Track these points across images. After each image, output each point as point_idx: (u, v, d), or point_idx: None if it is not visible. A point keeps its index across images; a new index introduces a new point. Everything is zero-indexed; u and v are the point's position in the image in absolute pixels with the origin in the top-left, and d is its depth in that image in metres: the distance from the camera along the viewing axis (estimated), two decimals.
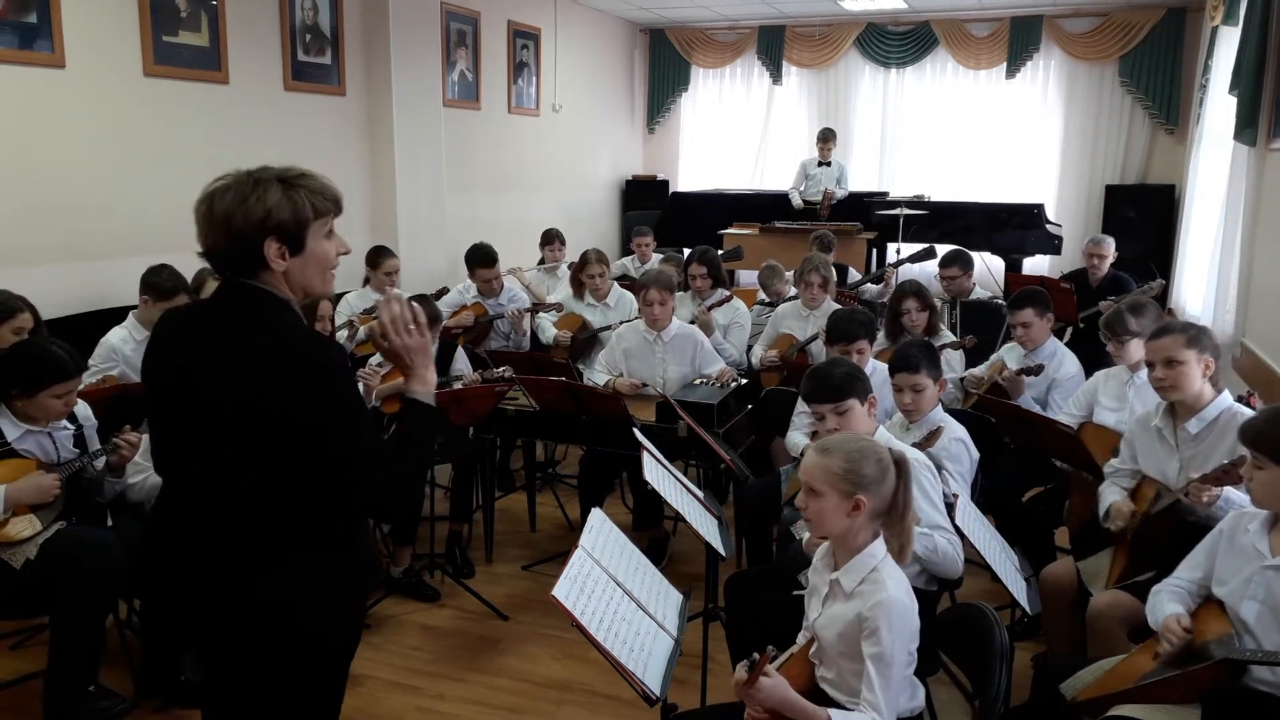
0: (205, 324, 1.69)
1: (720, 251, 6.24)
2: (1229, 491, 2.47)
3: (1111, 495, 2.84)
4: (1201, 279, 7.74)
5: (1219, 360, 2.76)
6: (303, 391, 1.58)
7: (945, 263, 5.25)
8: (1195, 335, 2.68)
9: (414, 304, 1.74)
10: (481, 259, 5.19)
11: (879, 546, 1.96)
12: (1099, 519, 2.85)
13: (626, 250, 8.19)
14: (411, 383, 1.74)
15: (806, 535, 2.43)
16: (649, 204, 10.54)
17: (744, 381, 4.12)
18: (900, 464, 1.97)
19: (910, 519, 1.99)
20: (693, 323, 4.55)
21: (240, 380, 1.59)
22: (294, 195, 1.64)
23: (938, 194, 9.36)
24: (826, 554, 2.06)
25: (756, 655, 1.82)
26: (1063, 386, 3.77)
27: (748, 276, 8.68)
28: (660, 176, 11.11)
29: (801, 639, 2.15)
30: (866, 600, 1.88)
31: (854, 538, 1.95)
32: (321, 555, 1.69)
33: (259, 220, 1.61)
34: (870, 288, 6.22)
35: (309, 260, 1.67)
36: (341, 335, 4.67)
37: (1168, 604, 2.21)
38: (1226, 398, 2.71)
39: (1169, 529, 2.61)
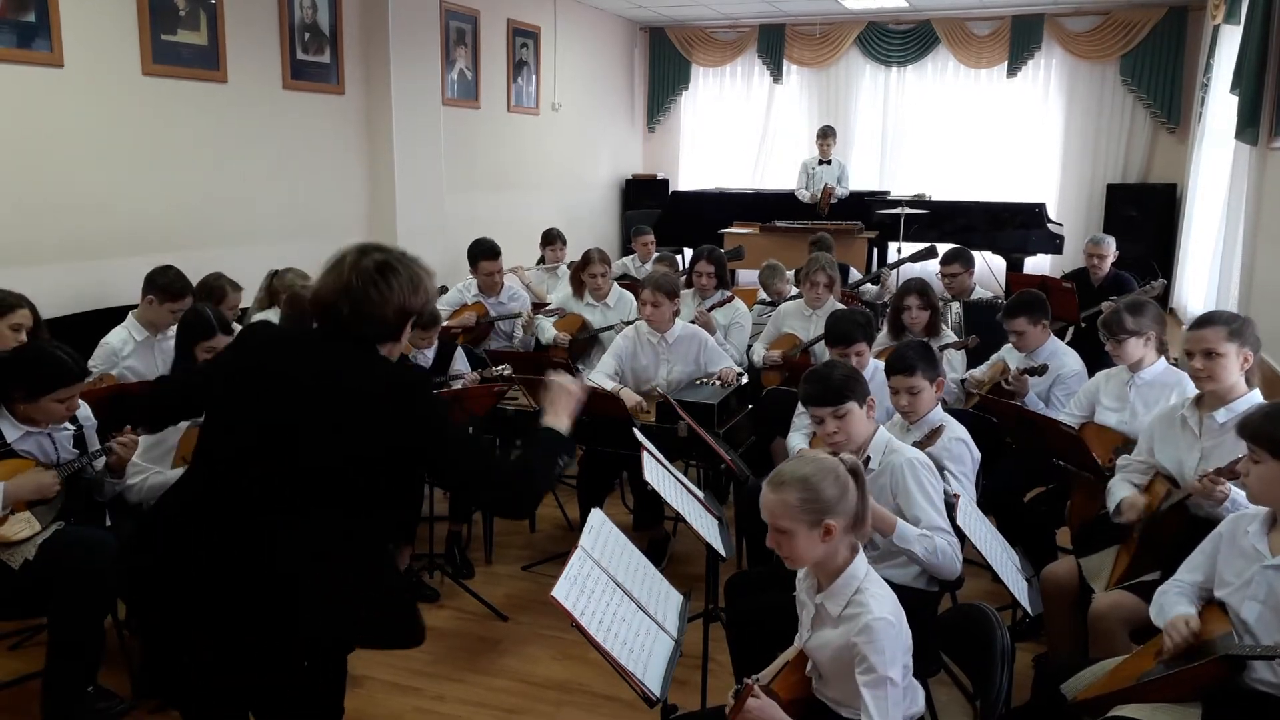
0: (327, 354, 1.88)
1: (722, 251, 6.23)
2: (1235, 493, 2.46)
3: (1122, 490, 2.83)
4: (1203, 278, 7.74)
5: (1258, 353, 2.75)
6: (423, 425, 1.83)
7: (946, 260, 5.23)
8: (1238, 328, 2.68)
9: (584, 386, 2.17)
10: (485, 251, 5.18)
11: (860, 565, 1.92)
12: (1106, 515, 2.84)
13: (627, 250, 8.18)
14: (550, 416, 2.07)
15: None
16: (649, 203, 10.53)
17: (745, 379, 4.11)
18: (855, 473, 1.92)
19: (869, 525, 1.96)
20: (693, 322, 4.54)
21: (363, 404, 1.80)
22: (430, 287, 1.96)
23: (939, 193, 9.36)
24: (808, 574, 2.01)
25: (745, 682, 1.81)
26: (1065, 383, 3.76)
27: (747, 276, 8.68)
28: (660, 176, 11.10)
29: (797, 643, 2.14)
30: (854, 625, 1.85)
31: (832, 560, 1.91)
32: (360, 558, 1.85)
33: (418, 308, 1.93)
34: (869, 288, 6.21)
35: (410, 332, 2.01)
36: None
37: (1177, 603, 2.19)
38: (1257, 395, 2.71)
39: (1177, 527, 2.61)
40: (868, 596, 1.87)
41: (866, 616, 1.84)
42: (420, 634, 2.12)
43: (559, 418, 2.06)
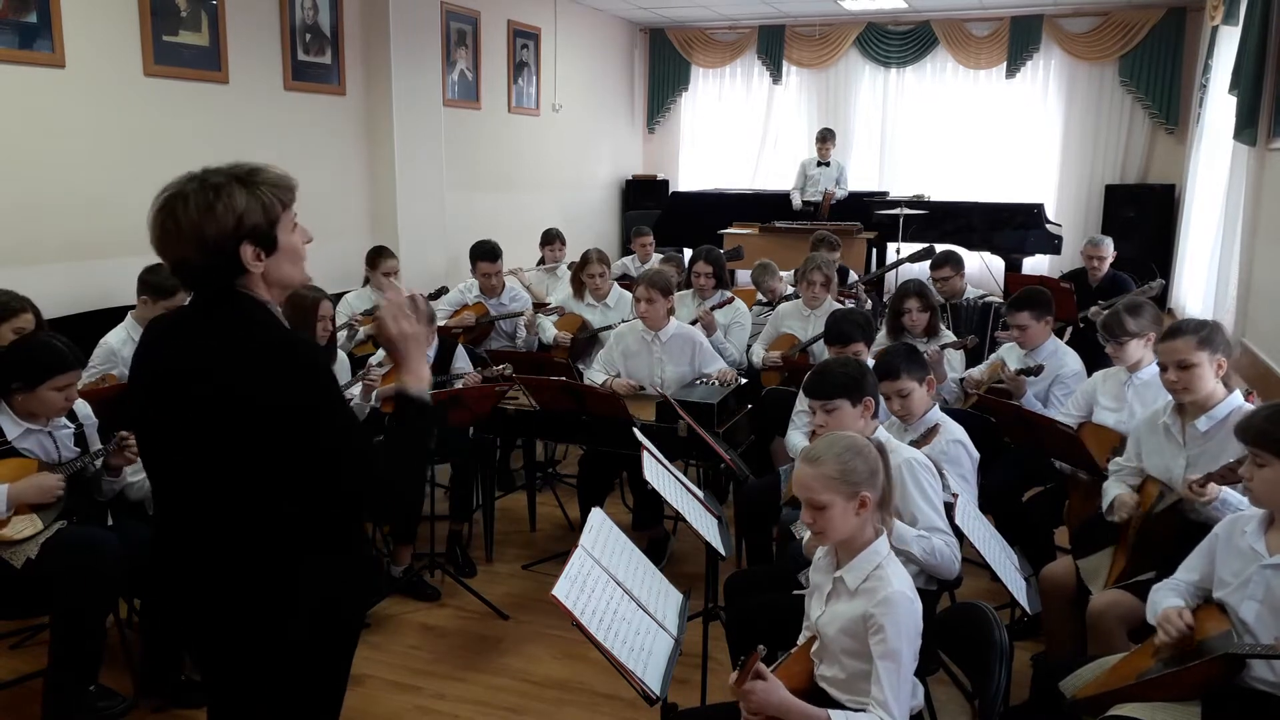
0: (189, 330, 1.65)
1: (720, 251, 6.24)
2: (1226, 493, 2.47)
3: (1116, 489, 2.84)
4: (1201, 279, 7.75)
5: (1231, 358, 2.75)
6: (291, 391, 1.55)
7: (936, 264, 5.23)
8: (1207, 336, 2.66)
9: (415, 294, 1.70)
10: (486, 253, 5.19)
11: (883, 543, 1.96)
12: (1102, 514, 2.85)
13: (626, 250, 8.19)
14: (404, 375, 1.68)
15: (806, 535, 2.43)
16: (649, 204, 10.54)
17: (744, 381, 4.12)
18: (881, 450, 1.99)
19: (894, 505, 2.00)
20: (694, 323, 4.54)
21: (228, 384, 1.55)
22: (258, 194, 1.59)
23: (938, 194, 9.38)
24: (829, 552, 2.05)
25: (754, 651, 1.82)
26: (1065, 383, 3.77)
27: (746, 276, 8.69)
28: (660, 176, 11.11)
29: (802, 640, 2.15)
30: (872, 598, 1.88)
31: (858, 537, 1.95)
32: (318, 556, 1.67)
33: (232, 228, 1.56)
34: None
35: (282, 256, 1.64)
36: (341, 336, 4.67)
37: (1168, 598, 2.21)
38: (1237, 397, 2.70)
39: (1171, 529, 2.61)
40: (889, 572, 1.91)
41: (886, 589, 1.87)
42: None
43: (414, 372, 1.67)
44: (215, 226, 1.55)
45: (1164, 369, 2.73)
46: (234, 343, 1.58)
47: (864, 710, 1.84)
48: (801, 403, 3.51)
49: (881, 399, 3.13)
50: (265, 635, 1.68)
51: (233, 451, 1.58)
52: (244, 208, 1.57)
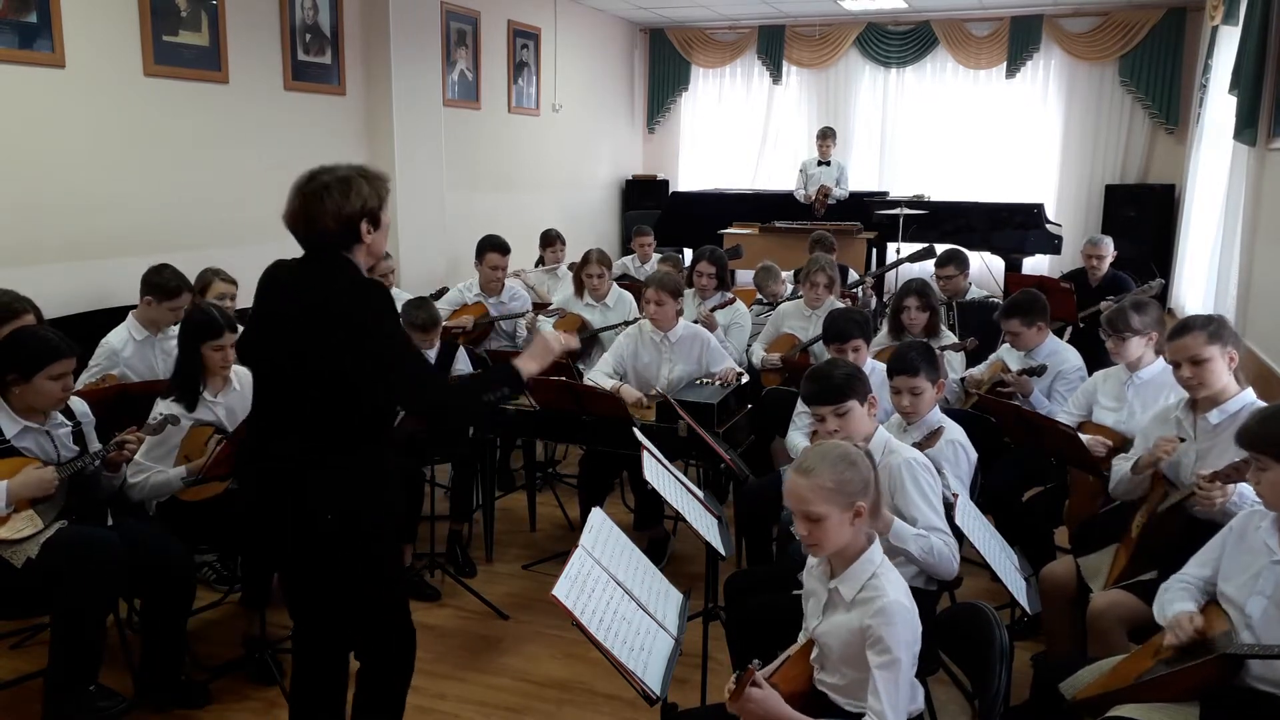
0: (313, 275, 2.22)
1: (723, 252, 6.23)
2: (1243, 487, 2.45)
3: (1126, 463, 2.83)
4: (1201, 278, 7.75)
5: (1241, 351, 2.75)
6: (375, 324, 2.13)
7: (941, 263, 5.24)
8: (1216, 330, 2.67)
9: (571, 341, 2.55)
10: (495, 245, 5.16)
11: (876, 551, 1.95)
12: (1104, 515, 2.84)
13: (627, 250, 8.19)
14: (523, 356, 2.39)
15: None
16: (649, 204, 10.54)
17: (745, 380, 4.12)
18: (869, 456, 1.98)
19: (885, 508, 2.00)
20: (694, 323, 4.54)
21: (342, 308, 2.12)
22: (375, 187, 2.23)
23: (938, 194, 9.37)
24: (821, 561, 2.03)
25: (749, 666, 1.82)
26: (1067, 378, 3.77)
27: (745, 276, 8.68)
28: (660, 176, 11.11)
29: (802, 639, 2.15)
30: (869, 608, 1.87)
31: (851, 546, 1.94)
32: (362, 455, 2.19)
33: (359, 209, 2.19)
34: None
35: (381, 232, 2.26)
36: None
37: (1179, 601, 2.20)
38: (1250, 394, 2.70)
39: (1175, 528, 2.61)
40: (883, 581, 1.90)
41: (882, 599, 1.86)
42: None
43: (525, 361, 2.36)
44: (350, 208, 2.18)
45: (1176, 366, 2.73)
46: (344, 280, 2.18)
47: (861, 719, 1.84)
48: (802, 404, 3.52)
49: (885, 396, 3.13)
50: (345, 505, 2.17)
51: (339, 357, 2.10)
52: (366, 195, 2.21)
